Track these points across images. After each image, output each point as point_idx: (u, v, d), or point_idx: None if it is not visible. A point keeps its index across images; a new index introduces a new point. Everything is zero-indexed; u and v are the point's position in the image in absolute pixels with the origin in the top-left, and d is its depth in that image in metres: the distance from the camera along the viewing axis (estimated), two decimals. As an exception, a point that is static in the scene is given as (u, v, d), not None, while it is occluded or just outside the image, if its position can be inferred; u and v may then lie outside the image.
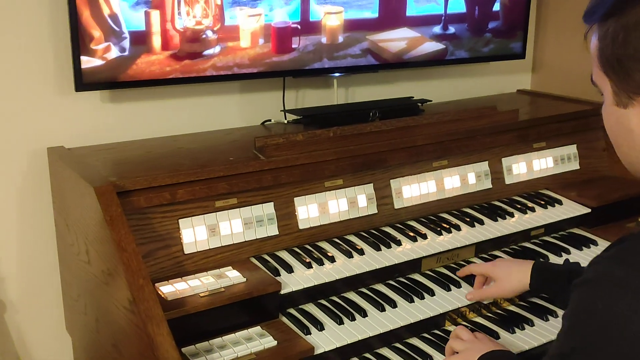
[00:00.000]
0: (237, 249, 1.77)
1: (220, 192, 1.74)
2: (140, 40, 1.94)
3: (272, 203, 1.82)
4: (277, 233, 1.82)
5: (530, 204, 2.19)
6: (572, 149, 2.41)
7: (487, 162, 2.21)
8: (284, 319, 1.66)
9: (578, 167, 2.42)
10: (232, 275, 1.65)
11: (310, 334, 1.60)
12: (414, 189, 2.06)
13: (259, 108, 2.33)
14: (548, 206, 2.20)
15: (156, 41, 1.96)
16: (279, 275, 1.71)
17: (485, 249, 2.03)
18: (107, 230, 1.49)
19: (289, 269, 1.73)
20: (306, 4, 2.20)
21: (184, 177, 1.71)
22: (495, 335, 1.71)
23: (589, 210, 2.22)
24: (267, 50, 2.16)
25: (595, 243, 2.12)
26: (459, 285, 1.83)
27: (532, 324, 1.77)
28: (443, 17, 2.49)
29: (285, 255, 1.81)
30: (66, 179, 1.80)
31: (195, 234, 1.71)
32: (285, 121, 2.28)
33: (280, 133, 2.01)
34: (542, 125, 2.35)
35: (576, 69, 2.76)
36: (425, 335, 1.73)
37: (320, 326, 1.62)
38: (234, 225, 1.76)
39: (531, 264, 1.65)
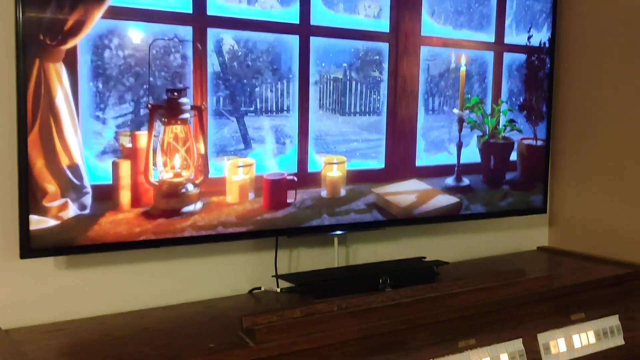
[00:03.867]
0: None
1: (195, 393, 1.34)
2: (106, 195, 1.61)
3: (263, 404, 1.42)
4: None
5: (576, 393, 1.80)
6: (614, 321, 2.05)
7: (520, 339, 1.83)
8: None
9: (623, 343, 2.05)
10: None
11: None
12: (437, 377, 1.67)
13: (247, 272, 1.97)
14: (598, 396, 1.81)
15: (124, 196, 1.63)
16: None
17: None
18: None
19: None
20: (304, 152, 1.90)
21: (148, 376, 1.31)
22: None
23: (647, 400, 1.83)
24: (258, 206, 1.84)
25: None
26: None
27: None
28: (456, 168, 2.21)
29: None
30: (-5, 374, 1.39)
31: None
32: (278, 289, 1.90)
33: (273, 309, 1.63)
34: (580, 292, 2.01)
35: (599, 223, 2.46)
36: None
37: None
38: None
39: None
